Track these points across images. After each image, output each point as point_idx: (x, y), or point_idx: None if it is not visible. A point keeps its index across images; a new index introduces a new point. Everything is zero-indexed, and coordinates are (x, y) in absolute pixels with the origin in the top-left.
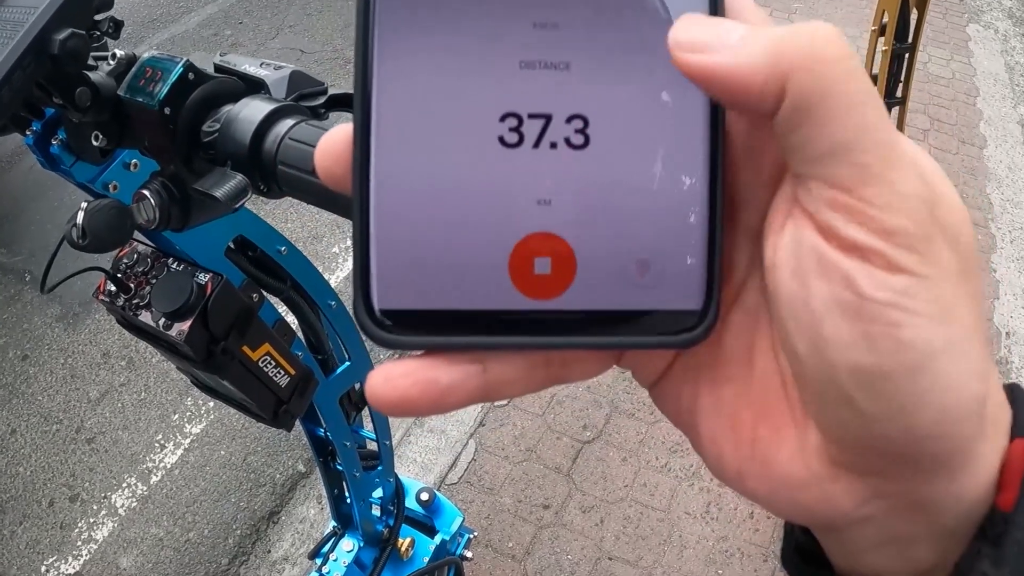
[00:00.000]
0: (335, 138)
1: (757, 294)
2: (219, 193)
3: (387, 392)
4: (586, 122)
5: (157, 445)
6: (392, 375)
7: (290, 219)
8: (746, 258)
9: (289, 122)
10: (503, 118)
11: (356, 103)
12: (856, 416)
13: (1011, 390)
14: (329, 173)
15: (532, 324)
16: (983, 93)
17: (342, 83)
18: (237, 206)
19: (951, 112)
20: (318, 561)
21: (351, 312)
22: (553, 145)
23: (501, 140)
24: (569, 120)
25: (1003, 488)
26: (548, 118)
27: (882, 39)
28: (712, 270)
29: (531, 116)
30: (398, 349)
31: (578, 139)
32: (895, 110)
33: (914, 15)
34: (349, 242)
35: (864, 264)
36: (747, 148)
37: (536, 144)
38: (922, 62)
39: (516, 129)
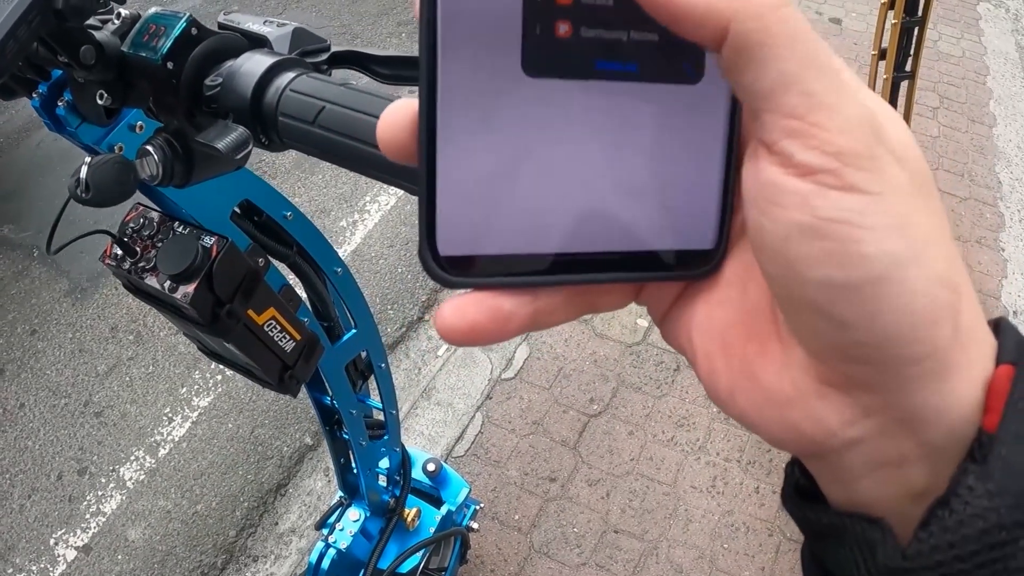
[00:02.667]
0: (397, 111)
1: None
2: (220, 145)
3: (458, 321)
4: (625, 102)
5: (165, 418)
6: (461, 304)
7: (298, 193)
8: None
9: (290, 75)
10: (548, 90)
11: (421, 89)
12: (832, 325)
13: (996, 323)
14: (391, 145)
15: (576, 264)
16: (993, 72)
17: None
18: (238, 158)
19: (961, 91)
20: (324, 531)
21: (417, 257)
22: (597, 122)
23: (545, 112)
24: (610, 96)
25: (988, 411)
26: (595, 99)
27: (891, 12)
28: (724, 216)
29: (576, 91)
30: (460, 288)
31: (618, 116)
32: (904, 84)
33: None
34: (357, 216)
35: (819, 187)
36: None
37: (579, 120)
38: (932, 40)
39: (560, 104)
